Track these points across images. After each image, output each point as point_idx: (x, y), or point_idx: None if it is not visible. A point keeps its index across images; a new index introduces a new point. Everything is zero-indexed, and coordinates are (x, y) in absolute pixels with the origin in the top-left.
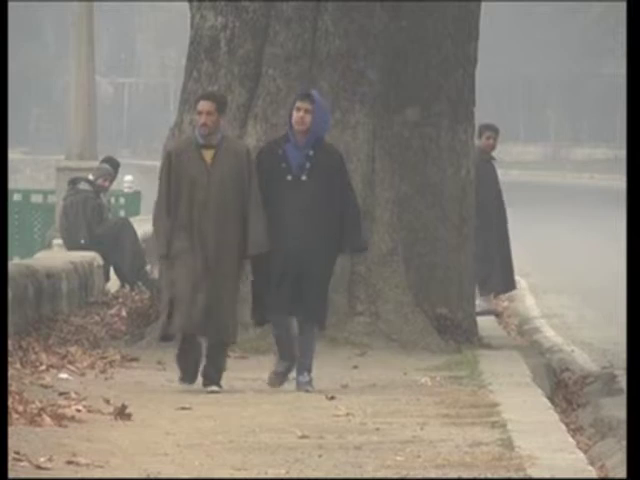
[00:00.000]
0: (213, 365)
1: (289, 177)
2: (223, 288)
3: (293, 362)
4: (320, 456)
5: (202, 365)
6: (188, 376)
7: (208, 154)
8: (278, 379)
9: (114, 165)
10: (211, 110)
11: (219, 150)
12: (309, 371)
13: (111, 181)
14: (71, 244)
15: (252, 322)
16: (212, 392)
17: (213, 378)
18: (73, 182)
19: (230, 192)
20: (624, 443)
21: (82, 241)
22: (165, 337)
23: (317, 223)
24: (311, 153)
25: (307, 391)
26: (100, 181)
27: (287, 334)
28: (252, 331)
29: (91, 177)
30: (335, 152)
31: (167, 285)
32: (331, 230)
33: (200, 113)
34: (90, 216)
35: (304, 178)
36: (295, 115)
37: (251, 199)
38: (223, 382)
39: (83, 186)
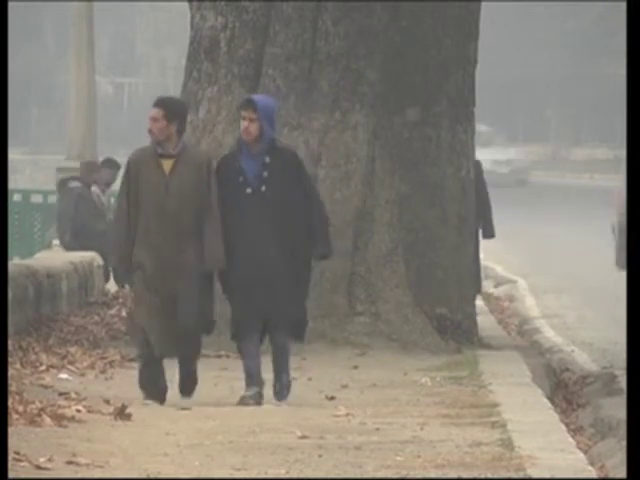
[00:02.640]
0: (188, 380)
1: (249, 190)
2: (183, 303)
3: (261, 387)
4: (320, 456)
5: (177, 380)
6: (157, 397)
7: (167, 164)
8: (249, 400)
9: (114, 167)
10: (157, 117)
11: (178, 160)
12: (287, 380)
13: (111, 180)
14: (74, 244)
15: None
16: (184, 409)
17: (189, 391)
18: (63, 183)
19: (188, 204)
20: (624, 443)
21: (87, 238)
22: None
23: (281, 234)
24: (267, 160)
25: (284, 397)
26: (89, 177)
27: (255, 357)
28: None
29: (64, 176)
30: (291, 155)
31: (132, 303)
32: (295, 238)
33: (149, 119)
34: (86, 212)
35: (264, 189)
36: (241, 124)
37: (209, 212)
38: (224, 382)
39: (73, 184)
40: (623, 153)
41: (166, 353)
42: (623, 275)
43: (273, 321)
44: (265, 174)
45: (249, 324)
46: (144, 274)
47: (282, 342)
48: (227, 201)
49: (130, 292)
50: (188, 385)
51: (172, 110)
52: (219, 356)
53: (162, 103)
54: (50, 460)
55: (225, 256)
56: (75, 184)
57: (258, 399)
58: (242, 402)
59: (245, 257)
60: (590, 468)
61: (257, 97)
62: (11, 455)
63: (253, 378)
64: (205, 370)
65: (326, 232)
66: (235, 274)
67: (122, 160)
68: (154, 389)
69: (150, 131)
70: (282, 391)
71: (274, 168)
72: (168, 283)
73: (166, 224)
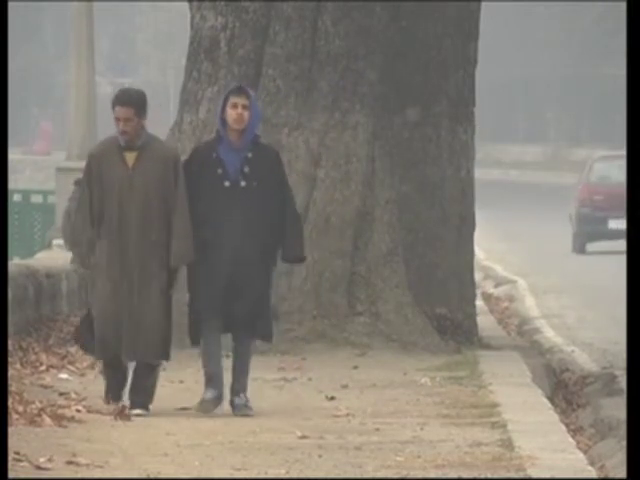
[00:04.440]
0: (139, 387)
1: (227, 183)
2: (149, 304)
3: (221, 390)
4: (320, 456)
5: (129, 385)
6: (113, 394)
7: (130, 157)
8: (209, 405)
9: None
10: (129, 116)
11: (142, 153)
12: (244, 391)
13: None
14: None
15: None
16: (138, 415)
17: (139, 401)
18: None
19: (153, 198)
20: (624, 443)
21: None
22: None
23: (256, 232)
24: (250, 155)
25: (246, 415)
26: None
27: (216, 355)
28: None
29: None
30: (272, 152)
31: (91, 302)
32: (269, 238)
33: (118, 120)
34: None
35: (243, 184)
36: (231, 113)
37: (177, 208)
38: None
39: None
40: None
41: (127, 357)
42: (623, 275)
43: (239, 323)
44: (246, 169)
45: (212, 323)
46: (107, 273)
47: (247, 347)
48: (202, 193)
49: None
50: (141, 396)
51: (140, 106)
52: None
53: (130, 101)
54: (50, 460)
55: (196, 250)
56: None
57: (217, 402)
58: (202, 407)
59: (217, 253)
60: (590, 468)
61: (245, 85)
62: (11, 455)
63: (213, 380)
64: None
65: (301, 236)
66: (205, 269)
67: None
68: (119, 395)
69: (123, 132)
70: (241, 406)
71: (256, 164)
72: (133, 281)
73: (131, 219)
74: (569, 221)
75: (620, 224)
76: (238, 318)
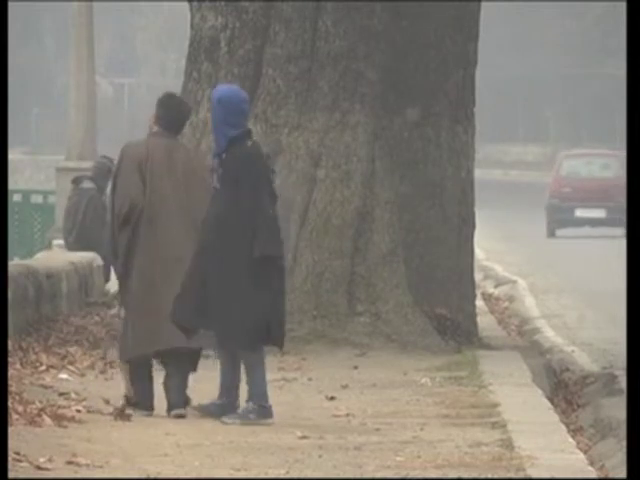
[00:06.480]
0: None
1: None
2: None
3: (230, 399)
4: (320, 456)
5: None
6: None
7: None
8: (206, 410)
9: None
10: None
11: None
12: (260, 396)
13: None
14: (76, 246)
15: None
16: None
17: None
18: (76, 182)
19: None
20: (624, 443)
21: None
22: None
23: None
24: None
25: (243, 423)
26: (101, 179)
27: (224, 367)
28: None
29: (89, 174)
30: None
31: None
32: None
33: None
34: (93, 216)
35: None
36: None
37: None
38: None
39: (86, 185)
40: (623, 153)
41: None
42: (623, 275)
43: (222, 331)
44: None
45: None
46: None
47: (236, 354)
48: None
49: None
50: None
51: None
52: None
53: None
54: (50, 460)
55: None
56: (89, 185)
57: (222, 411)
58: (198, 407)
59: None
60: (590, 468)
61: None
62: (11, 455)
63: (222, 390)
64: (205, 370)
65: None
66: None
67: None
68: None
69: None
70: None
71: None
72: None
73: None
74: (544, 210)
75: (586, 213)
76: (221, 328)
